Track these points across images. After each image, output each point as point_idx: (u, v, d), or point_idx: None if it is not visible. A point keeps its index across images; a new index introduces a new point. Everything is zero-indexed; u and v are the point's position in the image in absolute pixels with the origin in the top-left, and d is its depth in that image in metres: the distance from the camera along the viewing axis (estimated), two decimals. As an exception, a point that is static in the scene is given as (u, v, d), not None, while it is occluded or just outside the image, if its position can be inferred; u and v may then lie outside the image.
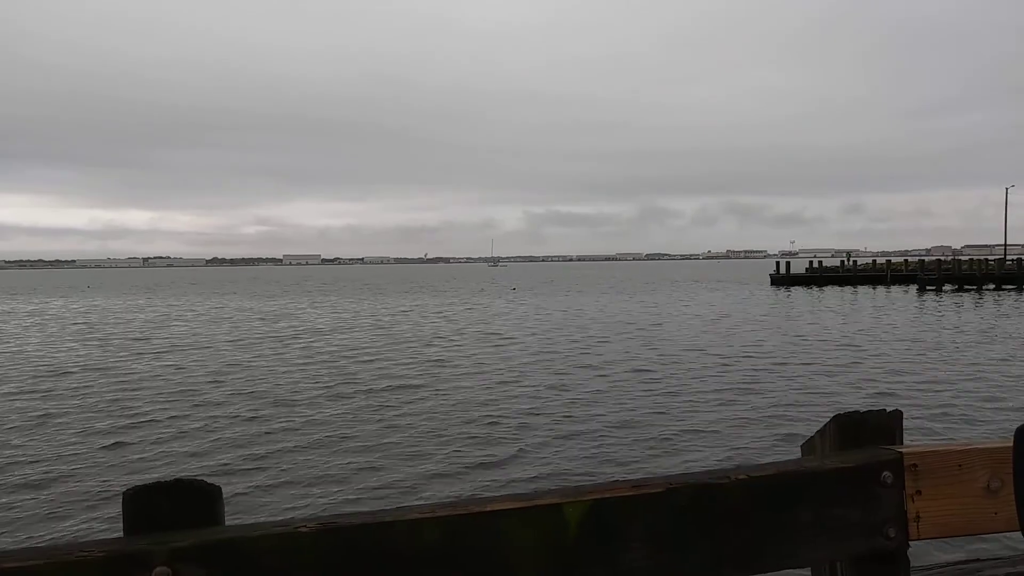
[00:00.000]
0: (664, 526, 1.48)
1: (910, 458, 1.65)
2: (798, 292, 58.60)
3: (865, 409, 1.76)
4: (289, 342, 28.43)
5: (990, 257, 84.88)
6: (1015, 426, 1.42)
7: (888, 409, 1.77)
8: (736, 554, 1.53)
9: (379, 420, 13.91)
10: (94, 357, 24.40)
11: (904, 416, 1.79)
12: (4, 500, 9.54)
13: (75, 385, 18.54)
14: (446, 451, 11.58)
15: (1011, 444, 1.40)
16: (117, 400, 16.35)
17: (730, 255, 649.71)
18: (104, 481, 10.25)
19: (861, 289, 60.68)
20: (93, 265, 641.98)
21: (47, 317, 46.03)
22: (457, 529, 1.36)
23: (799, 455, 1.85)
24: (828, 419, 1.77)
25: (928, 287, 56.82)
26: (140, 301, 65.00)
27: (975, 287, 57.06)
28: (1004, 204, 73.91)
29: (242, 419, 14.15)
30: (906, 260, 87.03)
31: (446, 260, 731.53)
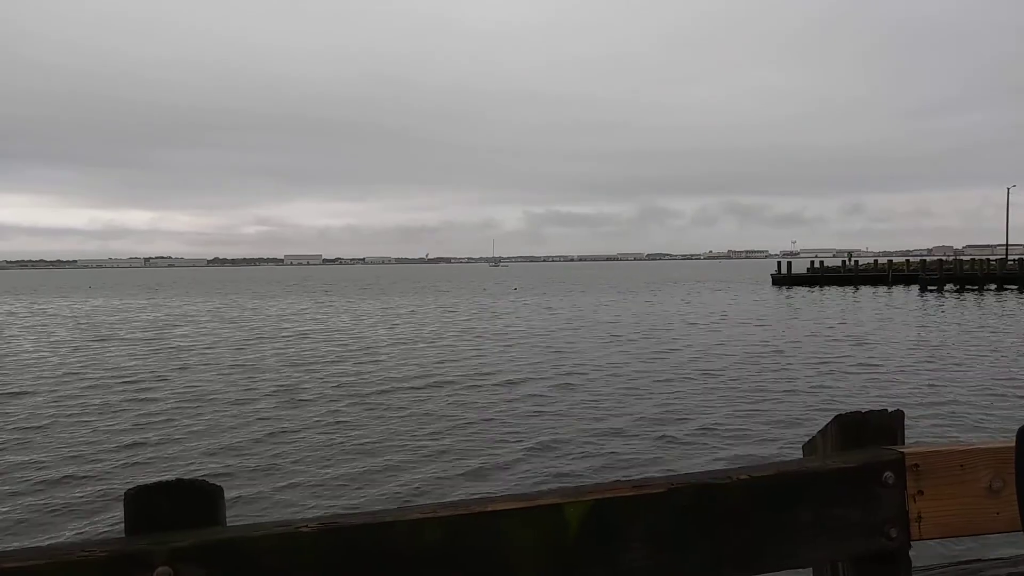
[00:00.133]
0: (665, 526, 1.48)
1: (912, 458, 1.64)
2: (799, 292, 58.57)
3: (867, 409, 1.76)
4: (291, 342, 28.44)
5: (991, 257, 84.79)
6: (1017, 426, 1.41)
7: (890, 409, 1.77)
8: (737, 554, 1.53)
9: (380, 421, 13.92)
10: (96, 357, 24.42)
11: (906, 416, 1.79)
12: (7, 500, 9.55)
13: (77, 385, 18.56)
14: (448, 452, 11.58)
15: (1013, 444, 1.40)
16: (118, 400, 16.37)
17: (731, 255, 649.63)
18: (106, 481, 10.25)
19: (863, 289, 60.65)
20: (94, 265, 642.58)
21: (48, 317, 46.07)
22: (458, 529, 1.36)
23: (800, 455, 1.85)
24: (830, 419, 1.77)
25: (930, 287, 56.77)
26: (143, 301, 65.05)
27: (977, 287, 57.01)
28: (1005, 204, 73.92)
29: (244, 419, 14.16)
30: (907, 260, 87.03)
31: (447, 260, 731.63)
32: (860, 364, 19.94)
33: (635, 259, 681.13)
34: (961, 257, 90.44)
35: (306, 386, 17.86)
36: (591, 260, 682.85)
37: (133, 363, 22.73)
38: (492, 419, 13.83)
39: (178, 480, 1.32)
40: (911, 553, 1.69)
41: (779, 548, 1.56)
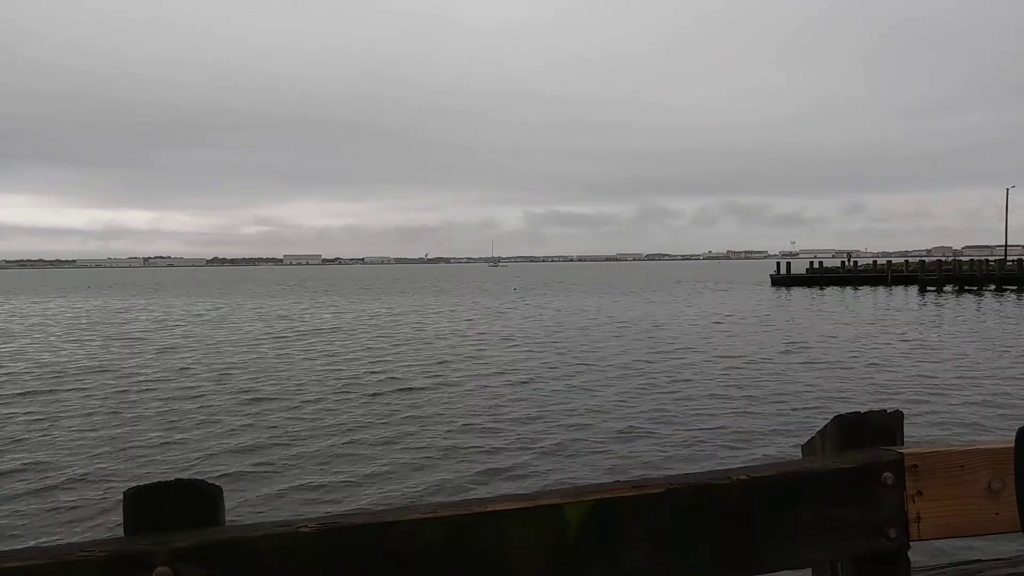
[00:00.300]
0: (665, 526, 1.48)
1: (911, 459, 1.65)
2: (799, 293, 58.61)
3: (866, 410, 1.77)
4: (292, 342, 28.45)
5: (991, 258, 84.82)
6: (1016, 427, 1.42)
7: (889, 410, 1.77)
8: (737, 554, 1.53)
9: (381, 421, 13.92)
10: (97, 357, 24.41)
11: (905, 417, 1.79)
12: (7, 500, 9.55)
13: (79, 385, 18.56)
14: (449, 452, 11.58)
15: (1012, 445, 1.40)
16: (120, 400, 16.37)
17: (730, 255, 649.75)
18: (105, 481, 10.25)
19: (862, 290, 60.70)
20: (93, 265, 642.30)
21: (48, 317, 46.06)
22: (458, 529, 1.36)
23: (800, 455, 1.85)
24: (829, 419, 1.77)
25: (929, 288, 56.81)
26: (142, 301, 65.04)
27: (976, 288, 57.05)
28: (1005, 205, 74.01)
29: (245, 419, 14.16)
30: (907, 261, 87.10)
31: (446, 260, 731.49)
32: (859, 364, 19.95)
33: (634, 259, 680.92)
34: (960, 258, 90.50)
35: (307, 386, 17.86)
36: (590, 260, 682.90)
37: (133, 363, 22.73)
38: (493, 419, 13.83)
39: (177, 480, 1.32)
40: (910, 553, 1.69)
41: (779, 548, 1.56)
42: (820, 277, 69.77)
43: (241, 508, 8.88)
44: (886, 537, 1.62)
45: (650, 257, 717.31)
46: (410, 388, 17.39)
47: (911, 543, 1.65)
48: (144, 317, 44.67)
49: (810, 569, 1.80)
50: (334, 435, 12.74)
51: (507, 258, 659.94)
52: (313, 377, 19.28)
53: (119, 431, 13.30)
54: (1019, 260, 62.13)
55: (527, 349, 24.88)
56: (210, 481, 1.36)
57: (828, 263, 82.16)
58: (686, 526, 1.50)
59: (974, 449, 1.70)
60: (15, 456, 11.67)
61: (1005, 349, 22.75)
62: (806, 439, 1.85)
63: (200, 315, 45.73)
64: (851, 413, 1.75)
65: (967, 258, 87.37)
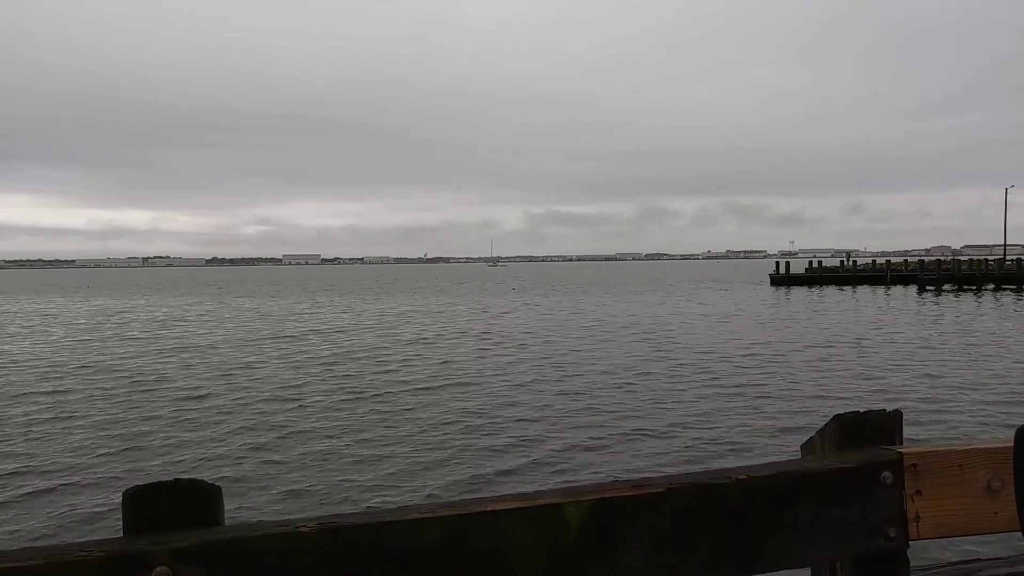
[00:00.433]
0: (664, 526, 1.48)
1: (910, 458, 1.65)
2: (798, 292, 58.63)
3: (865, 409, 1.77)
4: (292, 342, 28.44)
5: (990, 257, 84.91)
6: (1015, 426, 1.42)
7: (888, 409, 1.77)
8: (736, 554, 1.53)
9: (382, 421, 13.92)
10: (97, 357, 24.40)
11: (904, 416, 1.79)
12: (7, 500, 9.54)
13: (79, 386, 18.55)
14: (450, 453, 11.58)
15: (1011, 444, 1.40)
16: (120, 400, 16.36)
17: (730, 255, 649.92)
18: (104, 481, 10.25)
19: (861, 289, 60.71)
20: (93, 265, 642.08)
21: (48, 317, 46.04)
22: (457, 529, 1.36)
23: (799, 455, 1.85)
24: (828, 419, 1.77)
25: (928, 287, 56.86)
26: (142, 301, 65.00)
27: (975, 287, 57.09)
28: (1004, 204, 74.05)
29: (246, 419, 14.15)
30: (906, 260, 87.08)
31: (446, 260, 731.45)
32: (858, 364, 19.96)
33: (634, 259, 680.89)
34: (959, 257, 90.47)
35: (308, 386, 17.86)
36: (590, 260, 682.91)
37: (131, 364, 22.72)
38: (494, 419, 13.83)
39: (177, 480, 1.31)
40: (909, 553, 1.69)
41: (779, 548, 1.56)
42: (819, 277, 69.79)
43: (241, 508, 8.88)
44: (885, 537, 1.62)
45: (649, 257, 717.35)
46: (411, 389, 17.38)
47: (910, 543, 1.66)
48: (144, 317, 44.66)
49: (810, 569, 1.80)
50: (335, 436, 12.74)
51: (507, 258, 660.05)
52: (314, 377, 19.27)
53: (119, 431, 13.29)
54: (1018, 259, 62.12)
55: (527, 349, 24.87)
56: (210, 481, 1.36)
57: (827, 263, 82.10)
58: (686, 526, 1.49)
59: (973, 448, 1.70)
60: (15, 456, 11.66)
61: (1004, 348, 22.76)
62: (805, 439, 1.86)
63: (200, 315, 45.71)
64: (850, 413, 1.75)
65: (966, 258, 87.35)
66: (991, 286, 57.32)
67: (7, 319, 44.63)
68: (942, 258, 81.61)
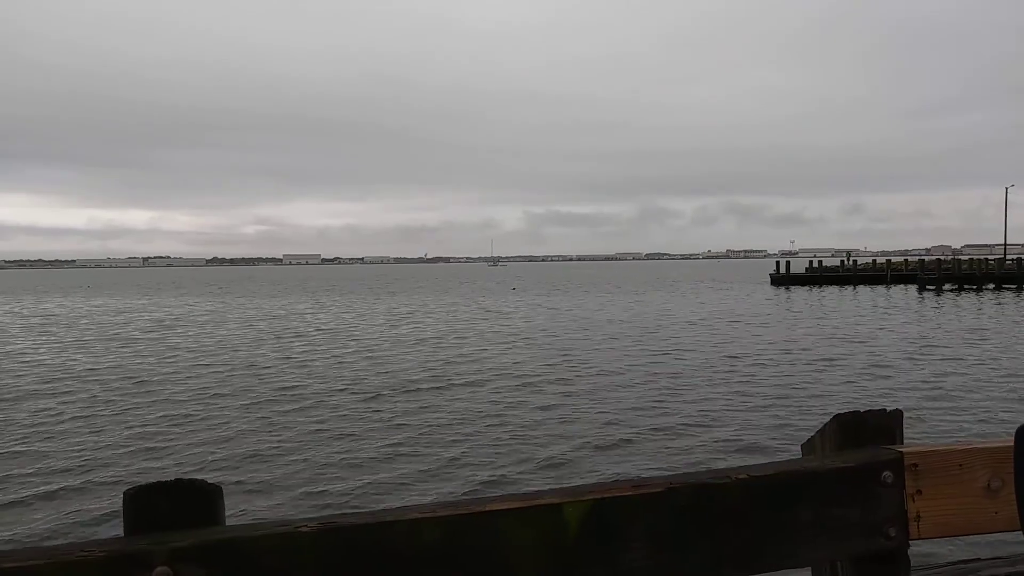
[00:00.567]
0: (664, 526, 1.48)
1: (910, 458, 1.65)
2: (798, 292, 58.63)
3: (865, 408, 1.76)
4: (292, 342, 28.44)
5: (990, 257, 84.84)
6: (1015, 426, 1.42)
7: (888, 409, 1.77)
8: (736, 554, 1.53)
9: (383, 422, 13.92)
10: (96, 357, 24.40)
11: (904, 416, 1.79)
12: (7, 500, 9.54)
13: (79, 386, 18.55)
14: (451, 453, 11.58)
15: (1012, 444, 1.40)
16: (120, 400, 16.36)
17: (730, 255, 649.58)
18: (106, 481, 10.25)
19: (861, 289, 60.70)
20: (93, 265, 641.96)
21: (48, 317, 46.02)
22: (457, 529, 1.36)
23: (799, 454, 1.85)
24: (828, 418, 1.77)
25: (928, 287, 56.83)
26: (142, 301, 64.98)
27: (975, 287, 57.06)
28: (1004, 204, 74.02)
29: (246, 420, 14.16)
30: (906, 260, 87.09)
31: (446, 260, 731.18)
32: (858, 363, 19.96)
33: (634, 259, 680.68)
34: (959, 257, 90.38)
35: (308, 387, 17.86)
36: (590, 260, 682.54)
37: (131, 364, 22.72)
38: (493, 419, 13.83)
39: (177, 480, 1.31)
40: (910, 553, 1.69)
41: (779, 548, 1.56)
42: (819, 276, 69.76)
43: (241, 508, 8.88)
44: (886, 536, 1.62)
45: (649, 256, 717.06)
46: (412, 389, 17.38)
47: (910, 542, 1.65)
48: (145, 317, 44.65)
49: (810, 569, 1.80)
50: (336, 436, 12.74)
51: (507, 258, 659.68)
52: (314, 377, 19.27)
53: (119, 431, 13.29)
54: (1018, 259, 62.09)
55: (527, 349, 24.88)
56: (209, 481, 1.36)
57: (827, 262, 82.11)
58: (686, 525, 1.49)
59: (973, 448, 1.70)
60: (15, 456, 11.66)
61: (1004, 347, 22.76)
62: (805, 438, 1.86)
63: (200, 315, 45.71)
64: (850, 412, 1.75)
65: (966, 257, 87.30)
66: (991, 286, 57.31)
67: (7, 319, 44.62)
68: (942, 258, 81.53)
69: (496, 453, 11.41)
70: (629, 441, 11.96)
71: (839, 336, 26.77)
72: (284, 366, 21.50)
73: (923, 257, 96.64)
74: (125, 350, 26.37)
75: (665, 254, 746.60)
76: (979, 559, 2.36)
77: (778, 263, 75.35)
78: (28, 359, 24.17)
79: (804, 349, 23.23)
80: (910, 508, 1.64)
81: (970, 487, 1.67)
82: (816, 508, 1.58)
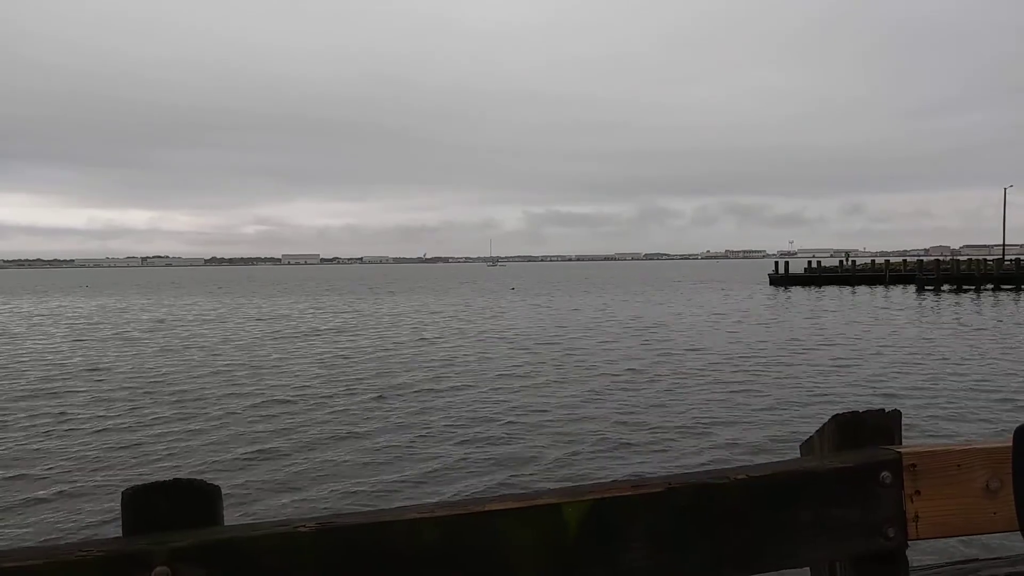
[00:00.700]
0: (664, 526, 1.48)
1: (909, 458, 1.65)
2: (797, 292, 58.64)
3: (864, 409, 1.76)
4: (292, 342, 28.42)
5: (988, 257, 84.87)
6: (1014, 426, 1.42)
7: (887, 409, 1.77)
8: (736, 554, 1.53)
9: (383, 422, 13.92)
10: (97, 357, 24.38)
11: (903, 416, 1.79)
12: (7, 500, 9.53)
13: (79, 386, 18.54)
14: (451, 453, 11.58)
15: (1010, 444, 1.40)
16: (120, 401, 16.35)
17: (729, 255, 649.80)
18: (105, 481, 10.24)
19: (860, 289, 60.71)
20: (92, 264, 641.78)
21: (48, 317, 45.98)
22: (456, 529, 1.36)
23: (798, 455, 1.85)
24: (827, 419, 1.77)
25: (927, 287, 56.84)
26: (142, 301, 64.93)
27: (973, 287, 57.07)
28: (1003, 204, 74.07)
29: (246, 420, 14.15)
30: (905, 260, 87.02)
31: (445, 260, 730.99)
32: (857, 364, 19.96)
33: (633, 259, 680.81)
34: (958, 257, 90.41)
35: (308, 387, 17.85)
36: (590, 260, 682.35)
37: (131, 364, 22.71)
38: (492, 418, 13.83)
39: (176, 480, 1.31)
40: (908, 553, 1.69)
41: (778, 548, 1.56)
42: (819, 276, 69.76)
43: (240, 509, 8.87)
44: (884, 536, 1.62)
45: (649, 256, 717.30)
46: (412, 389, 17.38)
47: (909, 542, 1.65)
48: (145, 317, 44.61)
49: (809, 569, 1.79)
50: (336, 436, 12.73)
51: (506, 258, 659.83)
52: (314, 378, 19.26)
53: (118, 432, 13.29)
54: (1017, 259, 62.14)
55: (528, 349, 24.87)
56: (208, 481, 1.36)
57: (826, 263, 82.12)
58: (685, 526, 1.49)
59: (972, 448, 1.70)
60: (15, 456, 11.65)
61: (1003, 348, 22.77)
62: (804, 438, 1.86)
63: (200, 315, 45.68)
64: (849, 412, 1.74)
65: (965, 258, 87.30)
66: (990, 286, 57.30)
67: (8, 319, 44.58)
68: (941, 258, 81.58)
69: (496, 453, 11.41)
70: (629, 441, 11.96)
71: (837, 336, 26.77)
72: (283, 366, 21.49)
73: (922, 257, 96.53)
74: (125, 350, 26.35)
75: (664, 254, 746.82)
76: (978, 559, 2.36)
77: (777, 263, 75.33)
78: (27, 359, 24.15)
79: (802, 350, 23.23)
80: (909, 508, 1.64)
81: (969, 487, 1.67)
82: (815, 508, 1.58)
